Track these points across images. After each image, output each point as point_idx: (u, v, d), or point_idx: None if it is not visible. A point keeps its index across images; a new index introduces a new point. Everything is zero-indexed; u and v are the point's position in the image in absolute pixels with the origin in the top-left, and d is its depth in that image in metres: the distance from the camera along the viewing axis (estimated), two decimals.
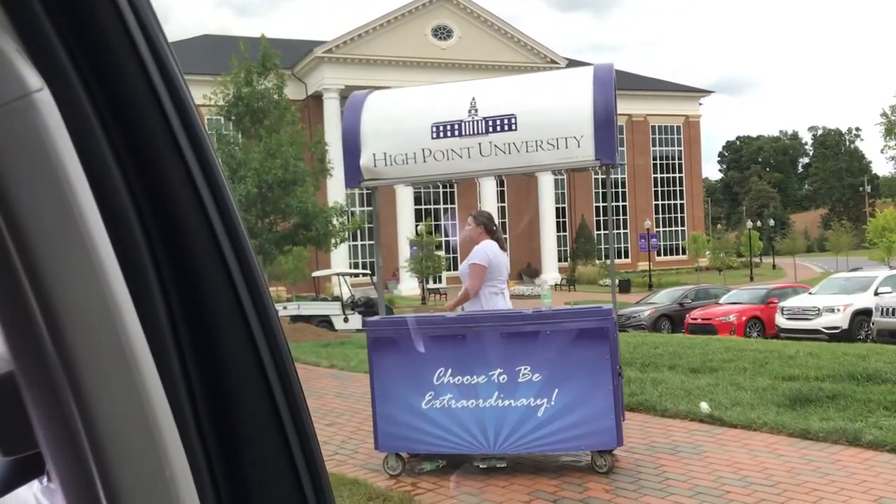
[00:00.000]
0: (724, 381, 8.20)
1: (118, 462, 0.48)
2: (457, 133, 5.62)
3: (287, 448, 0.57)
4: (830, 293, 20.54)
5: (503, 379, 5.58)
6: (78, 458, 0.51)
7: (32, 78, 0.47)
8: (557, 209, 56.02)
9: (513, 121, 5.54)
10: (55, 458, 0.54)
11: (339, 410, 8.26)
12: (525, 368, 5.55)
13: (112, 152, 0.53)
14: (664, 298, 25.80)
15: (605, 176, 6.11)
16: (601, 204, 60.15)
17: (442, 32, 50.97)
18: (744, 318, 21.37)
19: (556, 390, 5.52)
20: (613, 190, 60.43)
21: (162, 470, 0.48)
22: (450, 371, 5.66)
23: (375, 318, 5.99)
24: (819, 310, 19.70)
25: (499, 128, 5.56)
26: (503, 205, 53.82)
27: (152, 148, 0.54)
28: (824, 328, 19.23)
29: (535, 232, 54.17)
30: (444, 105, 5.74)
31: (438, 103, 5.78)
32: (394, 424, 5.78)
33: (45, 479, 0.67)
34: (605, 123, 5.42)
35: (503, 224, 53.29)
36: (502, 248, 6.34)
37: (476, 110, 5.62)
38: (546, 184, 52.96)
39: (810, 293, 21.59)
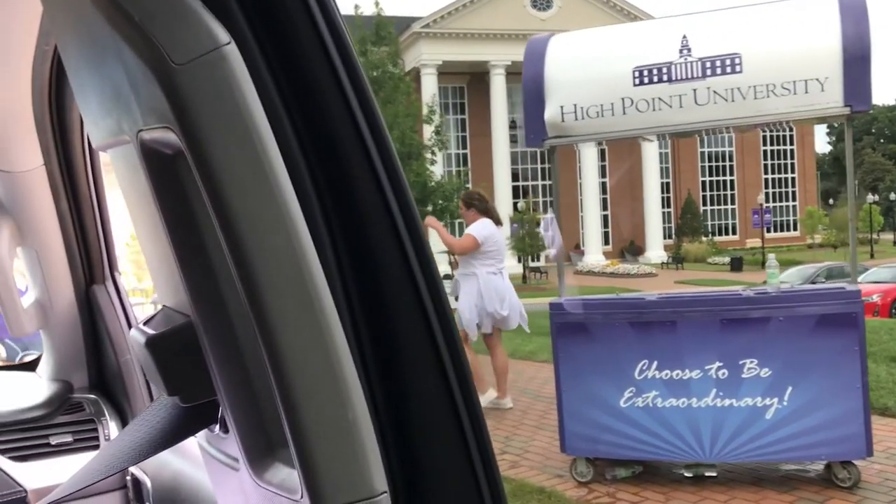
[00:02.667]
0: None
1: (305, 402, 0.48)
2: (665, 78, 4.68)
3: (451, 399, 0.54)
4: None
5: (723, 374, 4.65)
6: (256, 405, 0.54)
7: (221, 32, 0.49)
8: (661, 184, 53.91)
9: (737, 61, 4.56)
10: (233, 405, 0.56)
11: None
12: (751, 362, 4.61)
13: (282, 104, 0.52)
14: (794, 277, 24.04)
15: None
16: (707, 178, 57.72)
17: (542, 3, 49.49)
18: (889, 299, 19.62)
19: (790, 388, 4.56)
20: (720, 164, 57.93)
21: (345, 412, 0.48)
22: (655, 364, 4.76)
23: (560, 299, 5.13)
24: None
25: (719, 70, 4.59)
26: (604, 180, 52.16)
27: (323, 105, 0.53)
28: None
29: (638, 208, 52.33)
30: (649, 45, 4.80)
31: (641, 44, 4.85)
32: (585, 424, 4.94)
33: (216, 427, 0.65)
34: (858, 61, 4.38)
35: (604, 200, 51.68)
36: (499, 223, 6.68)
37: (689, 50, 4.67)
38: (650, 157, 50.99)
39: None
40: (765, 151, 59.83)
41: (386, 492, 0.51)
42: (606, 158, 50.62)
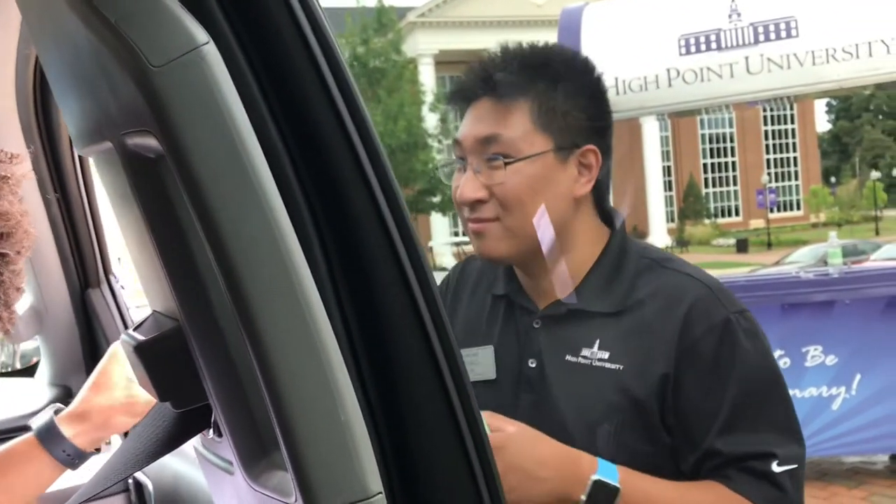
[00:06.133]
0: None
1: (294, 405, 0.48)
2: (714, 46, 4.34)
3: (451, 408, 0.54)
4: None
5: (784, 363, 4.32)
6: (247, 408, 0.55)
7: (199, 32, 0.49)
8: (663, 167, 53.57)
9: (792, 24, 4.22)
10: (224, 408, 0.56)
11: None
12: (815, 349, 4.29)
13: (266, 103, 0.52)
14: (806, 257, 23.64)
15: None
16: (709, 160, 57.39)
17: None
18: None
19: (858, 376, 4.25)
20: (721, 145, 57.60)
21: (337, 414, 0.49)
22: None
23: None
24: None
25: (773, 35, 4.25)
26: None
27: (306, 102, 0.53)
28: None
29: (640, 192, 52.01)
30: (695, 11, 4.45)
31: (686, 9, 4.50)
32: None
33: (209, 432, 0.66)
34: None
35: None
36: None
37: (739, 14, 4.33)
38: (650, 139, 50.65)
39: None
40: (766, 132, 59.49)
41: (381, 492, 0.50)
42: None
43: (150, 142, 0.51)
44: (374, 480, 0.50)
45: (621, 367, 1.05)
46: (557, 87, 1.09)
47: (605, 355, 1.06)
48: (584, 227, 1.13)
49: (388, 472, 0.53)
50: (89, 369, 1.75)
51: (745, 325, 1.06)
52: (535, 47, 1.14)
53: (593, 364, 1.07)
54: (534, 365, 1.12)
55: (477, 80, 1.11)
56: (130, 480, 1.55)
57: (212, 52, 0.49)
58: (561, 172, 1.08)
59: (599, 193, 1.15)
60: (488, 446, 0.55)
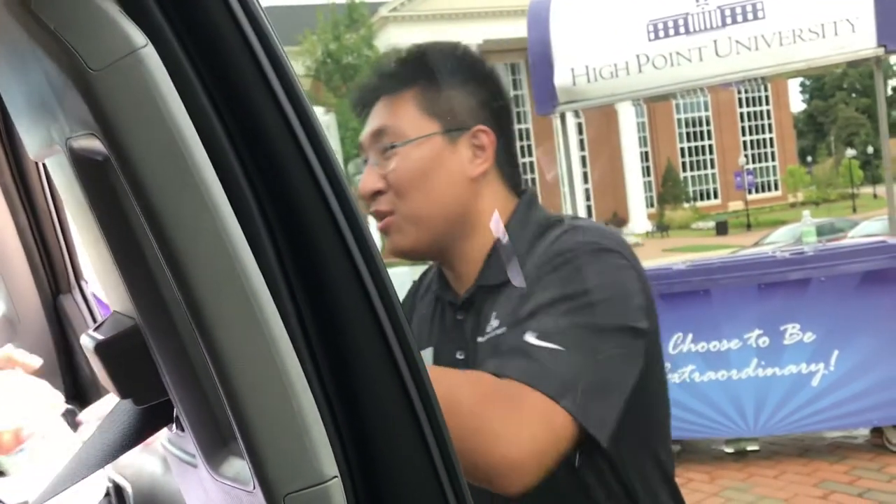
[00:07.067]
0: None
1: (247, 397, 0.50)
2: (682, 30, 4.37)
3: (408, 399, 0.56)
4: None
5: (763, 342, 4.38)
6: (206, 402, 0.57)
7: (137, 35, 0.50)
8: (641, 153, 53.77)
9: (759, 6, 4.26)
10: (184, 403, 0.58)
11: None
12: (793, 327, 4.34)
13: (210, 103, 0.53)
14: (785, 237, 23.91)
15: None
16: (686, 144, 57.67)
17: None
18: None
19: (836, 352, 4.30)
20: (697, 129, 57.86)
21: (289, 402, 0.51)
22: (690, 336, 4.48)
23: None
24: None
25: (740, 17, 4.29)
26: (584, 154, 51.94)
27: (249, 99, 0.54)
28: None
29: (618, 179, 52.24)
30: None
31: None
32: None
33: (173, 427, 0.68)
34: None
35: (585, 174, 51.48)
36: None
37: None
38: (627, 126, 50.89)
39: None
40: (741, 113, 59.87)
41: (337, 476, 0.52)
42: (584, 131, 50.35)
43: (96, 144, 0.53)
44: (328, 465, 0.52)
45: (505, 330, 1.04)
46: (440, 76, 1.12)
47: (497, 323, 1.06)
48: (490, 207, 1.12)
49: (346, 457, 0.54)
50: (64, 374, 1.77)
51: (589, 253, 1.03)
52: (418, 45, 1.18)
53: (491, 338, 1.06)
54: (462, 357, 1.14)
55: (369, 86, 1.16)
56: (109, 484, 1.50)
57: (150, 54, 0.50)
58: (452, 154, 1.10)
59: (506, 170, 1.15)
60: (444, 426, 0.57)
